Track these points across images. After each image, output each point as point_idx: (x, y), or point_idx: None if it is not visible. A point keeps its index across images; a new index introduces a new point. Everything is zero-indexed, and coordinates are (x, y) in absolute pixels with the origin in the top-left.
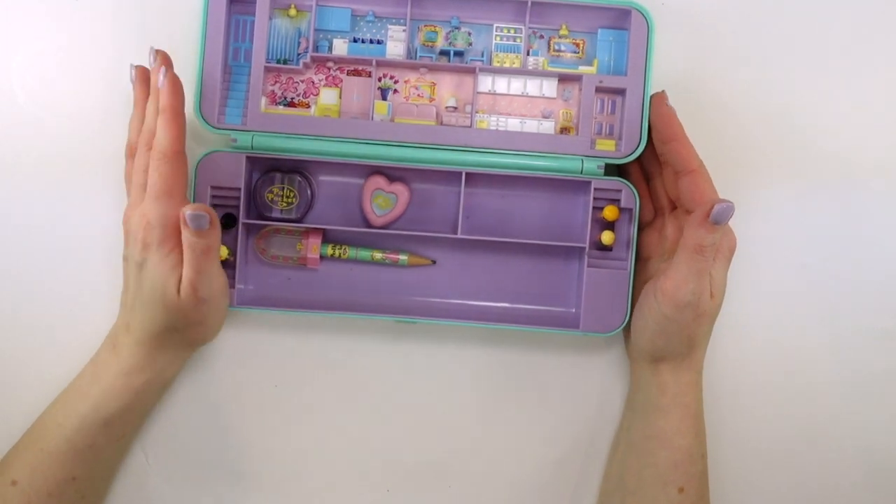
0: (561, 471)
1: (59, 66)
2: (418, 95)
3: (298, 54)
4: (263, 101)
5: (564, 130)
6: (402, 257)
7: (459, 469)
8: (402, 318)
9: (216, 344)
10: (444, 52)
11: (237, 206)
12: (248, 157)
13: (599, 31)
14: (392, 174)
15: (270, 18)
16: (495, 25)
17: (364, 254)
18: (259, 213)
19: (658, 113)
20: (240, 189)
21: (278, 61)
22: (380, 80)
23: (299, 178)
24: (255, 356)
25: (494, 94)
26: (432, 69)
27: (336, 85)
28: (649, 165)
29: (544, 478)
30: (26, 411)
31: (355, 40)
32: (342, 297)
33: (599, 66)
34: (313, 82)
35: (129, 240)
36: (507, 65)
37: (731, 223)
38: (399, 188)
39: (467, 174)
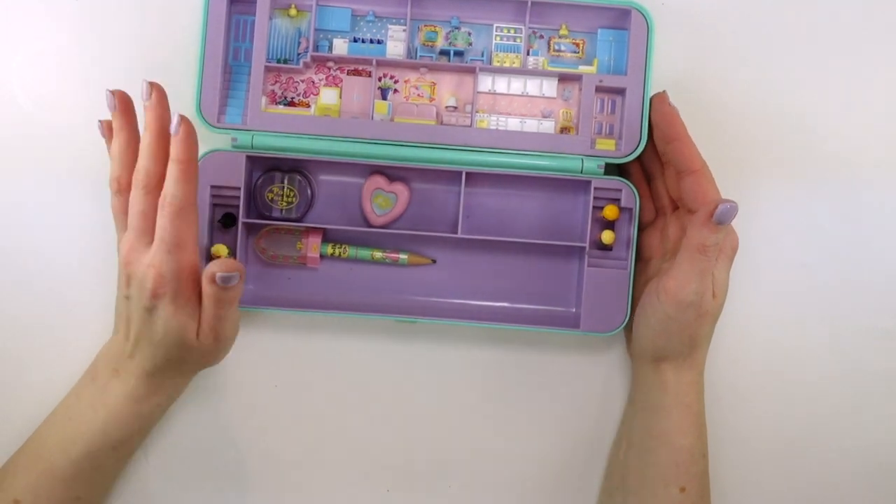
0: (562, 470)
1: (59, 66)
2: (418, 95)
3: (298, 54)
4: (263, 100)
5: (564, 130)
6: (402, 257)
7: (459, 469)
8: (402, 317)
9: None
10: (444, 52)
11: (237, 206)
12: (248, 157)
13: (599, 30)
14: (392, 174)
15: (270, 18)
16: (495, 25)
17: (364, 253)
18: (259, 213)
19: (660, 112)
20: (240, 189)
21: (278, 61)
22: (380, 79)
23: (299, 178)
24: (256, 356)
25: (494, 93)
26: (432, 69)
27: (336, 85)
28: (650, 165)
29: (545, 477)
30: (26, 411)
31: (355, 40)
32: (342, 296)
33: (599, 65)
34: (313, 82)
35: (131, 283)
36: (507, 65)
37: (732, 223)
38: (399, 188)
39: (467, 174)
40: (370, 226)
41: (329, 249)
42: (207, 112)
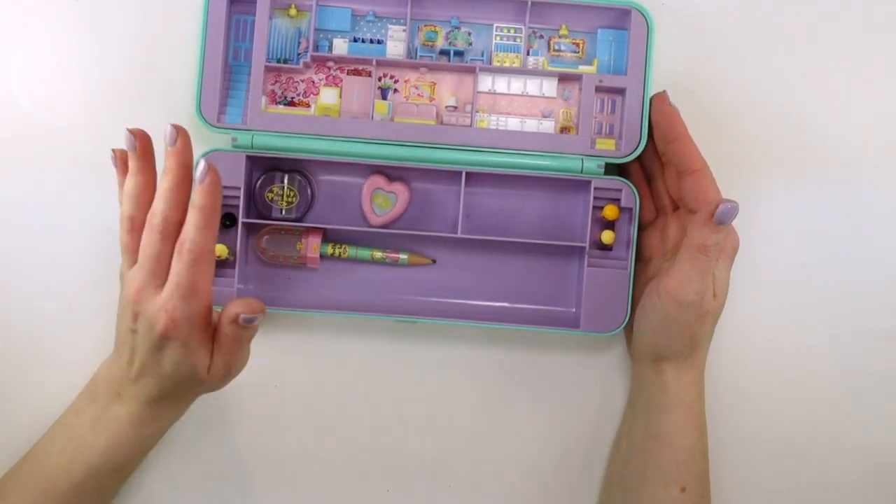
0: (562, 470)
1: (59, 66)
2: (418, 95)
3: (298, 54)
4: (263, 100)
5: (564, 130)
6: (402, 256)
7: (459, 469)
8: (402, 317)
9: None
10: (444, 52)
11: (237, 206)
12: (248, 157)
13: (599, 30)
14: (392, 174)
15: (270, 18)
16: (495, 25)
17: (364, 253)
18: (259, 213)
19: (661, 112)
20: (240, 188)
21: (278, 61)
22: (380, 79)
23: (299, 178)
24: (256, 356)
25: (494, 93)
26: (432, 69)
27: (336, 84)
28: (651, 165)
29: (545, 477)
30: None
31: (355, 40)
32: (342, 296)
33: (599, 65)
34: (313, 82)
35: (140, 321)
36: (507, 64)
37: (732, 223)
38: (399, 188)
39: (467, 174)
40: (370, 226)
41: (329, 249)
42: (207, 112)
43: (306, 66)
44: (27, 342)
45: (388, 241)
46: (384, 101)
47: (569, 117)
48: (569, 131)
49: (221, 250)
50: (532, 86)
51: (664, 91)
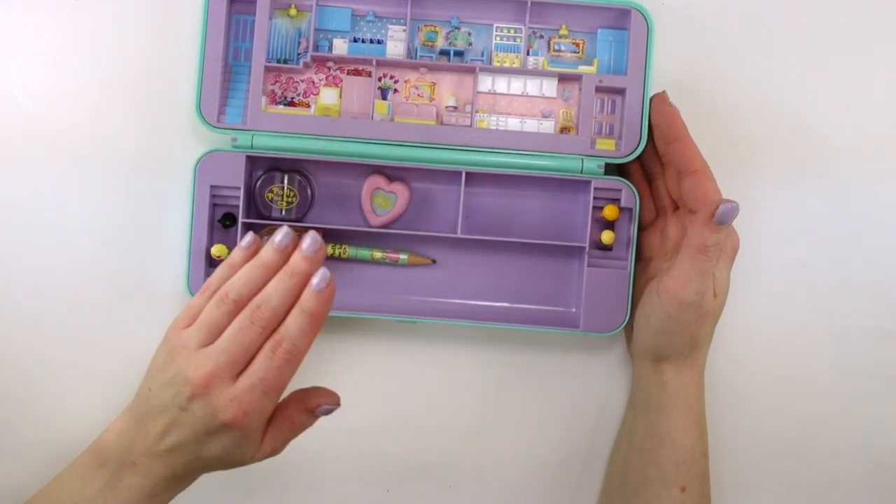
0: (562, 470)
1: (59, 66)
2: (418, 95)
3: (298, 54)
4: (263, 100)
5: (564, 130)
6: (402, 257)
7: (459, 469)
8: (402, 317)
9: None
10: (444, 52)
11: (237, 206)
12: (248, 157)
13: (599, 31)
14: (392, 174)
15: (270, 18)
16: (495, 25)
17: (364, 253)
18: (259, 213)
19: (661, 113)
20: (240, 189)
21: (278, 61)
22: (380, 79)
23: (299, 178)
24: None
25: (494, 93)
26: (432, 69)
27: (336, 84)
28: (651, 165)
29: (545, 477)
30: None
31: (355, 40)
32: (342, 297)
33: (599, 65)
34: (313, 82)
35: (197, 403)
36: (507, 65)
37: (732, 223)
38: (399, 188)
39: (467, 174)
40: (370, 226)
41: (329, 249)
42: (207, 112)
43: (306, 66)
44: (27, 342)
45: (388, 241)
46: (384, 102)
47: (569, 117)
48: (569, 131)
49: (221, 250)
50: (532, 86)
51: (664, 91)
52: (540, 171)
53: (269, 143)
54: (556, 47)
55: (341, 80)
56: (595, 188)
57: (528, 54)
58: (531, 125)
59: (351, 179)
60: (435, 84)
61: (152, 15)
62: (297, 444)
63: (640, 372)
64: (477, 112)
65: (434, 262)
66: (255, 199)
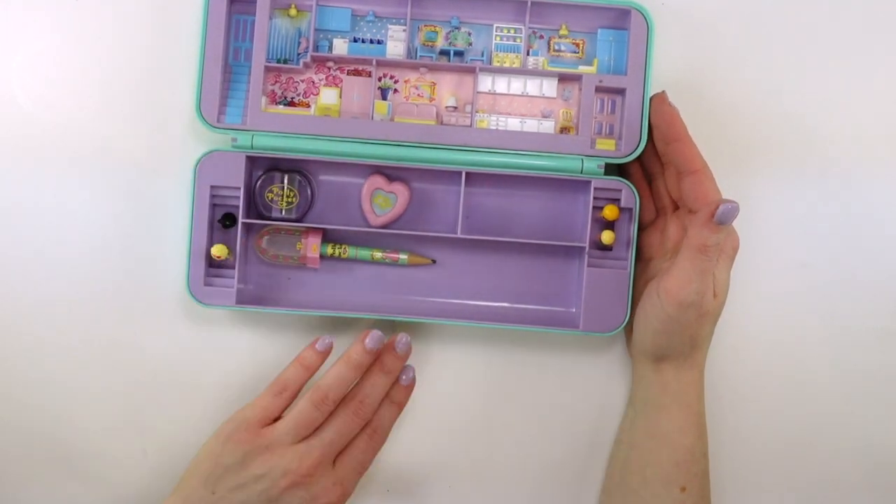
0: (562, 470)
1: (59, 66)
2: (418, 95)
3: (298, 54)
4: (263, 100)
5: (564, 130)
6: (402, 256)
7: (459, 469)
8: (403, 317)
9: (216, 343)
10: (444, 52)
11: (237, 206)
12: (248, 157)
13: (599, 31)
14: (392, 174)
15: (270, 18)
16: (495, 25)
17: (364, 253)
18: (259, 213)
19: (660, 113)
20: (240, 189)
21: (278, 61)
22: (380, 79)
23: (299, 178)
24: (255, 356)
25: (494, 93)
26: (432, 69)
27: (336, 85)
28: (651, 165)
29: (545, 477)
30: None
31: (355, 40)
32: (342, 296)
33: (599, 65)
34: (313, 82)
35: (296, 491)
36: (507, 65)
37: (732, 223)
38: (399, 188)
39: (467, 174)
40: (370, 226)
41: (329, 249)
42: (207, 112)
43: (306, 66)
44: (27, 342)
45: (388, 241)
46: (384, 102)
47: (569, 117)
48: (569, 131)
49: (221, 250)
50: (532, 86)
51: (663, 91)
52: (540, 171)
53: (269, 143)
54: (556, 47)
55: (341, 80)
56: (595, 188)
57: (528, 54)
58: (531, 125)
59: (351, 179)
60: (435, 84)
61: (152, 15)
62: None
63: (640, 372)
64: (477, 112)
65: (434, 262)
66: (255, 199)
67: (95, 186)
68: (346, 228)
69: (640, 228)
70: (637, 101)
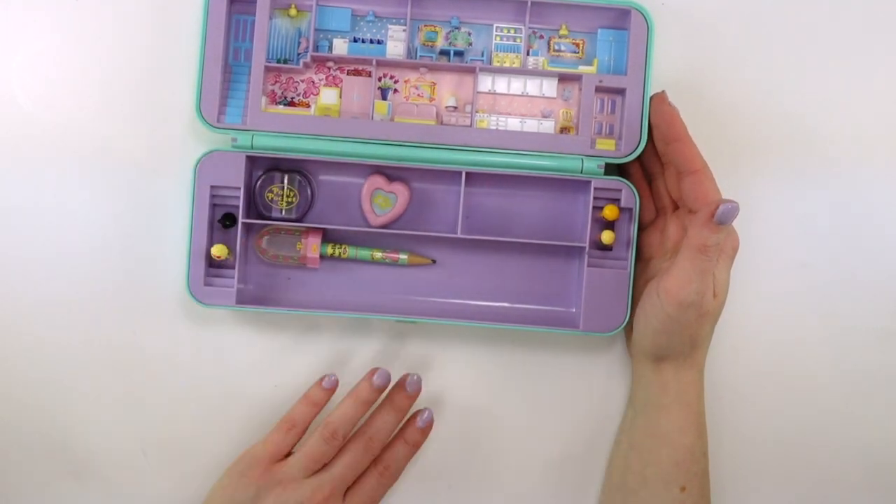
0: (562, 470)
1: (59, 66)
2: (418, 95)
3: (298, 54)
4: (263, 100)
5: (564, 130)
6: (402, 256)
7: (459, 469)
8: (402, 318)
9: (216, 344)
10: (444, 52)
11: (237, 206)
12: (248, 157)
13: (599, 31)
14: (392, 174)
15: (270, 18)
16: (495, 25)
17: (364, 253)
18: (259, 213)
19: (660, 113)
20: (240, 189)
21: (278, 61)
22: (380, 79)
23: (299, 178)
24: (256, 356)
25: (494, 93)
26: (432, 69)
27: (336, 85)
28: (651, 165)
29: (545, 477)
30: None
31: (355, 40)
32: (342, 296)
33: (599, 65)
34: (313, 82)
35: None
36: (507, 65)
37: (732, 223)
38: (399, 188)
39: (467, 174)
40: (370, 226)
41: (329, 249)
42: (207, 112)
43: (306, 66)
44: (27, 342)
45: (388, 241)
46: (384, 102)
47: (569, 117)
48: (569, 131)
49: (221, 250)
50: (532, 86)
51: (663, 91)
52: (540, 171)
53: (269, 143)
54: (556, 47)
55: (341, 80)
56: (595, 188)
57: (528, 54)
58: (531, 125)
59: (351, 179)
60: (435, 84)
61: (152, 15)
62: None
63: (640, 372)
64: (477, 112)
65: (434, 262)
66: (255, 199)
67: (95, 186)
68: (346, 228)
69: (640, 228)
70: (637, 101)
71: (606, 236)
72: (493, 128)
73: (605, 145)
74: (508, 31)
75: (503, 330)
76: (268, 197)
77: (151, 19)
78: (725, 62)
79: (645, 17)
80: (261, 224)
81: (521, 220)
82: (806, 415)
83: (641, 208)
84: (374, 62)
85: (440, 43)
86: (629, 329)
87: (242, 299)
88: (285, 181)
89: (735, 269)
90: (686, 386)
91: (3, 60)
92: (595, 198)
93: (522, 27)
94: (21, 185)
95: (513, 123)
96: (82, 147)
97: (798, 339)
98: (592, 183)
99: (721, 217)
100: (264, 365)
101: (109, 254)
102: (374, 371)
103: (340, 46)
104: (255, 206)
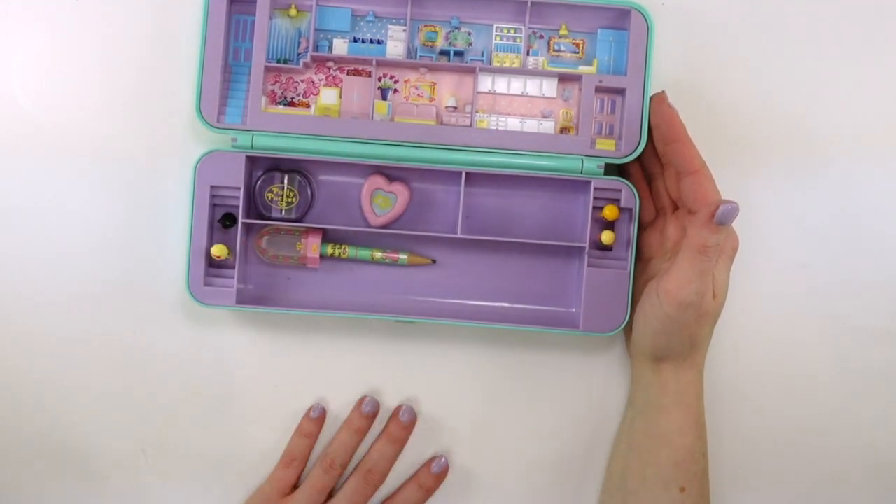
0: (561, 471)
1: (59, 66)
2: (418, 95)
3: (298, 54)
4: (263, 100)
5: (564, 130)
6: (402, 256)
7: (459, 469)
8: (402, 318)
9: (216, 344)
10: (444, 52)
11: (237, 206)
12: (248, 157)
13: (599, 31)
14: (392, 174)
15: (270, 18)
16: (495, 25)
17: (364, 253)
18: (259, 213)
19: (659, 113)
20: (240, 189)
21: (278, 61)
22: (380, 79)
23: (299, 178)
24: (255, 356)
25: (494, 93)
26: (432, 69)
27: (336, 85)
28: (651, 165)
29: (545, 478)
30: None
31: (355, 40)
32: (342, 296)
33: (599, 65)
34: (313, 82)
35: None
36: (507, 65)
37: (732, 223)
38: (399, 188)
39: (467, 174)
40: (370, 226)
41: (329, 249)
42: (207, 112)
43: (306, 66)
44: (27, 342)
45: (388, 241)
46: (384, 102)
47: (569, 117)
48: (569, 131)
49: (221, 250)
50: (532, 86)
51: (663, 91)
52: (540, 171)
53: (269, 143)
54: (556, 47)
55: (341, 80)
56: (595, 188)
57: (528, 54)
58: (531, 125)
59: (351, 179)
60: (435, 84)
61: (152, 15)
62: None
63: (640, 372)
64: (477, 112)
65: (434, 262)
66: (255, 199)
67: (95, 186)
68: (346, 228)
69: (640, 228)
70: (637, 102)
71: (606, 236)
72: (493, 128)
73: (605, 145)
74: (508, 32)
75: (503, 330)
76: (268, 197)
77: (151, 19)
78: (725, 62)
79: (645, 17)
80: (261, 224)
81: (521, 220)
82: (806, 415)
83: (641, 208)
84: (374, 62)
85: (440, 43)
86: (629, 329)
87: (242, 299)
88: (285, 181)
89: (735, 270)
90: (686, 386)
91: (3, 60)
92: (595, 198)
93: (522, 27)
94: (21, 185)
95: (513, 123)
96: (82, 147)
97: (798, 339)
98: (592, 183)
99: (721, 217)
100: (264, 365)
101: (109, 253)
102: (362, 399)
103: (340, 46)
104: (255, 206)
